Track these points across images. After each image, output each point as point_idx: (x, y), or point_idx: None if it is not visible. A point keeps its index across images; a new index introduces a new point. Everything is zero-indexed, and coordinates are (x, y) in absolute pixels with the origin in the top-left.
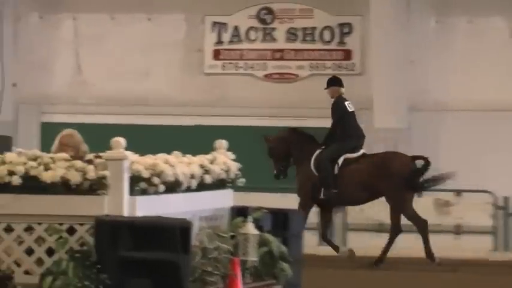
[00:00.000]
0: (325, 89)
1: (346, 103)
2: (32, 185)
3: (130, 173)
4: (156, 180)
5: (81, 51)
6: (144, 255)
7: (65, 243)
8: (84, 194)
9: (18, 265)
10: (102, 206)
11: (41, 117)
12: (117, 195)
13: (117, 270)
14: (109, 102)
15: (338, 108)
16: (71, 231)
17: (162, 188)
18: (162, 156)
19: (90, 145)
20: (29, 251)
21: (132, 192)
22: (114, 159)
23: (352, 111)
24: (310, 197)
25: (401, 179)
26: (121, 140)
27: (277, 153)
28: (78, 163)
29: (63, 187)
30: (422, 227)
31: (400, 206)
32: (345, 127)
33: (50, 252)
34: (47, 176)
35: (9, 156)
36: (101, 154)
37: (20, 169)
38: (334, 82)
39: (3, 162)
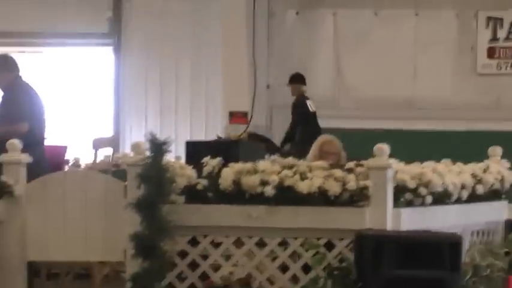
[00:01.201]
0: (287, 85)
1: (308, 102)
2: (286, 195)
3: (394, 183)
4: (423, 191)
5: (342, 50)
6: (410, 273)
7: (322, 259)
8: (344, 205)
9: (272, 283)
10: (363, 219)
11: None
12: (379, 207)
13: None
14: (372, 105)
15: (298, 108)
16: (329, 246)
17: (429, 199)
18: (429, 164)
19: (350, 152)
20: (283, 268)
21: (396, 204)
22: (377, 168)
23: (314, 112)
24: None
25: None
26: (384, 147)
27: None
28: (338, 172)
29: (321, 198)
30: None
31: None
32: (305, 129)
33: (306, 268)
34: (303, 186)
35: (262, 164)
36: (362, 162)
37: (274, 178)
38: (296, 79)
39: (256, 171)
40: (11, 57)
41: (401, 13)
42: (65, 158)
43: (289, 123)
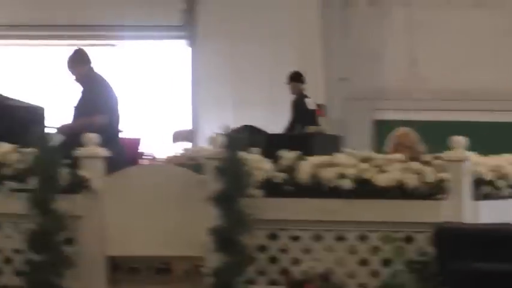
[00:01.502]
0: (286, 83)
1: (307, 100)
2: (364, 189)
3: (472, 176)
4: (500, 183)
5: (415, 41)
6: (490, 266)
7: (402, 253)
8: (422, 198)
9: (351, 277)
10: (441, 212)
11: (373, 114)
12: (457, 200)
13: (460, 283)
14: (447, 96)
15: (297, 106)
16: (408, 239)
17: (507, 191)
18: (506, 156)
19: (427, 144)
20: (363, 262)
21: (474, 196)
22: (454, 161)
23: (313, 110)
24: None
25: None
26: (461, 139)
27: None
28: (415, 165)
29: (399, 191)
30: None
31: None
32: (303, 127)
33: (385, 262)
34: (381, 179)
35: (338, 157)
36: (439, 155)
37: (351, 172)
38: (294, 78)
39: (332, 164)
40: (83, 50)
41: (475, 2)
42: (139, 151)
43: (289, 121)
